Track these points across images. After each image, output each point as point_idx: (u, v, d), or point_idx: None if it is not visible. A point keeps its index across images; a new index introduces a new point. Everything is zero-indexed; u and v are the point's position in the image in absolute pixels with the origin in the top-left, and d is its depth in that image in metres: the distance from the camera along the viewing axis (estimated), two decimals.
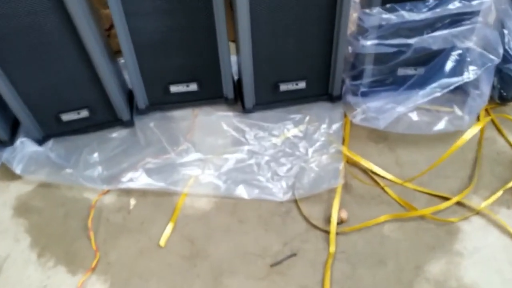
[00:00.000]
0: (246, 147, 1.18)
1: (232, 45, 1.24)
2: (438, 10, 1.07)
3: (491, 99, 1.26)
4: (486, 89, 1.15)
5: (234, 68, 1.36)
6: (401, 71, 1.26)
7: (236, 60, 1.34)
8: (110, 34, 1.49)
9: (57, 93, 1.18)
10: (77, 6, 0.99)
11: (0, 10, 0.98)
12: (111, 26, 1.46)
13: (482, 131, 1.21)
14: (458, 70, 1.15)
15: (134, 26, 1.12)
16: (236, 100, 1.33)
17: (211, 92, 1.31)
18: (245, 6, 1.06)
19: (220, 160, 1.16)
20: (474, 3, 1.07)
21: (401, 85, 1.28)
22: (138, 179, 1.12)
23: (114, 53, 1.27)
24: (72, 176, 1.13)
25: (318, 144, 1.17)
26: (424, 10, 1.07)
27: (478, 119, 1.23)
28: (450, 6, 1.06)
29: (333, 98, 1.31)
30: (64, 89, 1.17)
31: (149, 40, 1.16)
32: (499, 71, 1.22)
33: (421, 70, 1.25)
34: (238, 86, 1.35)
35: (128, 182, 1.12)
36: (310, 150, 1.16)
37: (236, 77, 1.38)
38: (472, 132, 1.14)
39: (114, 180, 1.13)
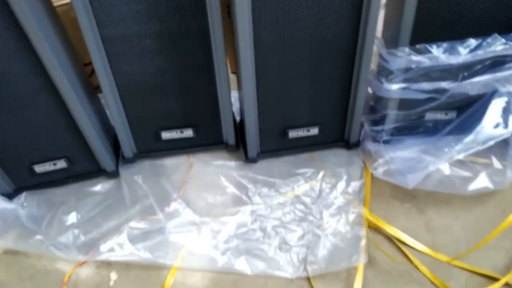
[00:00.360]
0: (249, 208, 1.00)
1: (232, 77, 1.08)
2: (480, 52, 0.90)
3: None
4: None
5: (236, 106, 1.19)
6: (430, 116, 1.08)
7: (237, 96, 1.17)
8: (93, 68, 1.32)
9: (29, 142, 1.01)
10: (45, 43, 0.82)
11: None
12: None
13: None
14: (500, 120, 0.97)
15: (119, 69, 0.95)
16: (238, 147, 1.16)
17: (209, 138, 1.14)
18: (248, 42, 0.89)
19: (218, 224, 0.98)
20: None
21: (429, 132, 1.11)
22: (120, 248, 0.94)
23: (95, 88, 1.11)
24: (42, 244, 0.95)
25: (334, 206, 0.99)
26: (463, 52, 0.90)
27: None
28: (495, 48, 0.89)
29: (349, 145, 1.14)
30: (37, 137, 1.00)
31: (136, 83, 0.99)
32: None
33: (452, 115, 1.08)
34: (240, 129, 1.18)
35: (109, 252, 0.94)
36: (326, 214, 0.98)
37: (238, 118, 1.21)
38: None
39: (92, 249, 0.95)
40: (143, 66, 0.96)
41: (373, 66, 1.05)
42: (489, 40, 0.90)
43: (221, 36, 0.93)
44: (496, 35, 0.90)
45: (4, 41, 0.82)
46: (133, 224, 0.99)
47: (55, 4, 1.14)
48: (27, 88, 0.90)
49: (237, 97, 1.20)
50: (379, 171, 1.06)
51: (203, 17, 0.91)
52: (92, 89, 1.08)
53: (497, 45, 0.89)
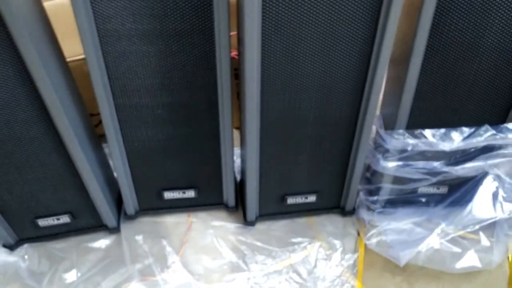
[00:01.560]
0: (245, 275, 1.03)
1: (235, 133, 1.12)
2: (471, 141, 0.95)
3: None
4: None
5: (237, 162, 1.24)
6: (423, 190, 1.13)
7: (240, 155, 1.22)
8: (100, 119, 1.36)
9: (35, 197, 1.03)
10: (55, 97, 0.84)
11: None
12: None
13: None
14: (490, 203, 1.03)
15: (129, 134, 1.00)
16: (237, 208, 1.19)
17: (210, 199, 1.17)
18: (255, 120, 0.94)
19: None
20: (510, 135, 0.95)
21: (422, 204, 1.16)
22: None
23: (100, 136, 1.14)
24: None
25: (329, 278, 1.02)
26: (456, 139, 0.96)
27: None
28: (485, 138, 0.95)
29: (345, 212, 1.18)
30: (43, 193, 1.03)
31: (144, 147, 1.03)
32: None
33: (444, 189, 1.13)
34: (240, 190, 1.22)
35: None
36: (320, 286, 1.01)
37: (238, 176, 1.25)
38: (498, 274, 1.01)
39: None
40: (153, 133, 1.00)
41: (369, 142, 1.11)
42: (480, 130, 0.96)
43: (230, 111, 0.98)
44: (487, 126, 0.96)
45: (14, 95, 0.84)
46: (132, 285, 1.01)
47: (69, 59, 1.19)
48: (38, 148, 0.93)
49: (238, 153, 1.24)
50: (373, 242, 1.09)
51: (214, 91, 0.96)
52: (97, 141, 1.11)
53: (488, 135, 0.95)
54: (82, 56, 1.21)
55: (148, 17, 0.82)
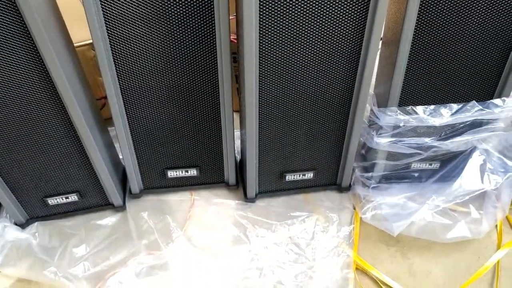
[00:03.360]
0: (247, 247, 1.09)
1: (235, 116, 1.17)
2: (460, 116, 1.00)
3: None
4: (506, 199, 1.08)
5: (237, 143, 1.28)
6: (415, 166, 1.18)
7: (239, 136, 1.27)
8: (106, 102, 1.41)
9: (44, 177, 1.08)
10: (64, 79, 0.88)
11: None
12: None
13: (499, 238, 1.13)
14: (477, 176, 1.08)
15: (134, 116, 1.04)
16: (238, 186, 1.24)
17: (212, 177, 1.22)
18: (254, 102, 0.98)
19: (218, 261, 1.06)
20: (496, 110, 1.00)
21: (414, 180, 1.21)
22: (126, 281, 1.02)
23: (105, 120, 1.19)
24: (55, 276, 1.03)
25: (326, 249, 1.08)
26: (446, 115, 1.01)
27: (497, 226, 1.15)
28: (472, 114, 1.00)
29: (341, 189, 1.23)
30: (52, 173, 1.08)
31: (148, 128, 1.07)
32: None
33: (436, 165, 1.18)
34: (240, 169, 1.27)
35: (115, 284, 1.01)
36: (318, 256, 1.06)
37: (238, 156, 1.30)
38: (496, 255, 1.07)
39: (101, 281, 1.02)
40: (156, 114, 1.05)
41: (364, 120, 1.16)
42: (468, 106, 1.00)
43: (229, 92, 1.03)
44: (474, 102, 1.00)
45: (27, 79, 0.88)
46: (139, 258, 1.06)
47: (75, 44, 1.23)
48: (49, 129, 0.98)
49: (238, 135, 1.29)
50: (368, 216, 1.15)
51: (215, 73, 1.00)
52: (103, 123, 1.15)
53: (475, 111, 1.00)
54: (86, 42, 1.27)
55: (151, 1, 0.86)
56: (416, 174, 1.19)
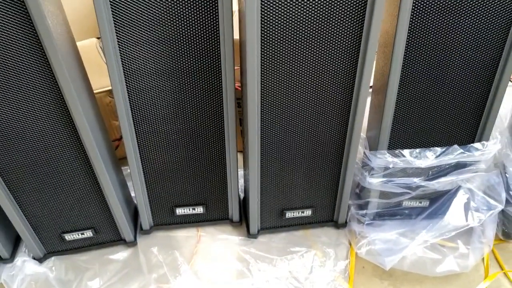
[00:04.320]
0: (250, 281, 1.16)
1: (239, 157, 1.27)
2: (443, 159, 1.10)
3: (496, 235, 1.27)
4: (490, 235, 1.16)
5: (240, 182, 1.38)
6: (407, 204, 1.27)
7: (242, 174, 1.36)
8: (120, 143, 1.52)
9: (62, 213, 1.17)
10: (85, 123, 0.99)
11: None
12: (122, 137, 1.50)
13: (486, 271, 1.20)
14: (463, 213, 1.16)
15: (146, 157, 1.15)
16: (241, 223, 1.33)
17: (217, 214, 1.31)
18: (256, 144, 1.09)
19: None
20: (476, 154, 1.11)
21: (406, 216, 1.30)
22: None
23: (121, 159, 1.29)
24: None
25: (324, 283, 1.15)
26: (430, 157, 1.11)
27: (483, 259, 1.23)
28: (454, 156, 1.10)
29: (338, 225, 1.31)
30: (69, 210, 1.17)
31: (160, 169, 1.18)
32: (502, 210, 1.24)
33: (426, 203, 1.27)
34: (243, 206, 1.36)
35: None
36: None
37: (241, 194, 1.39)
38: (473, 278, 1.14)
39: None
40: (167, 156, 1.15)
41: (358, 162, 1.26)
42: (450, 149, 1.11)
43: (234, 136, 1.14)
44: (456, 146, 1.11)
45: (51, 122, 0.99)
46: None
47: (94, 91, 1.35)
48: (69, 169, 1.08)
49: (241, 174, 1.38)
50: (363, 251, 1.22)
51: (221, 119, 1.11)
52: (118, 163, 1.26)
53: (457, 154, 1.10)
54: (103, 89, 1.39)
55: (166, 58, 0.98)
56: (407, 212, 1.28)
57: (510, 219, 1.24)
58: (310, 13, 0.89)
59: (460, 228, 1.14)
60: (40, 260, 1.23)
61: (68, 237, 1.22)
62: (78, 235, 1.22)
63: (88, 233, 1.23)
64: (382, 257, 1.17)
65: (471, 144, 1.12)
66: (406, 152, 1.12)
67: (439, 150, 1.11)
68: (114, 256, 1.24)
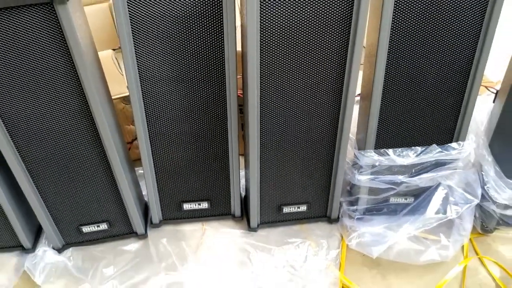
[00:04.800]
0: (250, 268, 1.28)
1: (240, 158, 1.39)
2: (423, 157, 1.23)
3: (474, 228, 1.39)
4: (468, 227, 1.28)
5: (242, 182, 1.50)
6: (393, 200, 1.39)
7: (244, 175, 1.49)
8: (132, 146, 1.65)
9: (80, 207, 1.30)
10: (106, 126, 1.12)
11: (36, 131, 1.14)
12: (134, 139, 1.63)
13: (465, 260, 1.32)
14: (442, 207, 1.29)
15: (158, 157, 1.28)
16: (243, 218, 1.45)
17: (220, 209, 1.44)
18: (256, 146, 1.22)
19: (226, 280, 1.25)
20: (453, 152, 1.23)
21: (393, 212, 1.42)
22: None
23: (133, 161, 1.42)
24: None
25: (316, 269, 1.27)
26: (412, 156, 1.23)
27: (463, 249, 1.35)
28: (433, 154, 1.23)
29: (331, 220, 1.44)
30: (87, 204, 1.30)
31: (169, 166, 1.31)
32: (480, 206, 1.36)
33: (411, 199, 1.39)
34: (244, 204, 1.48)
35: None
36: (309, 275, 1.25)
37: (243, 194, 1.52)
38: (453, 266, 1.27)
39: None
40: (176, 155, 1.28)
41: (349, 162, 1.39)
42: (430, 148, 1.24)
43: (236, 138, 1.27)
44: (435, 145, 1.24)
45: (76, 125, 1.12)
46: (159, 277, 1.26)
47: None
48: (90, 167, 1.21)
49: (243, 174, 1.51)
50: (353, 243, 1.34)
51: (224, 122, 1.24)
52: (132, 164, 1.39)
53: (435, 152, 1.23)
54: (117, 96, 1.53)
55: (177, 67, 1.12)
56: (393, 207, 1.40)
57: (487, 214, 1.36)
58: (302, 30, 1.03)
59: (439, 220, 1.26)
60: (59, 250, 1.35)
61: (85, 229, 1.34)
62: (94, 228, 1.35)
63: (103, 226, 1.35)
64: (370, 247, 1.28)
65: (449, 144, 1.25)
66: (390, 151, 1.25)
67: (419, 149, 1.24)
68: (126, 247, 1.36)
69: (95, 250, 1.35)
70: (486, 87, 1.53)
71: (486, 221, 1.38)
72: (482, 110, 1.41)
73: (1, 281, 1.27)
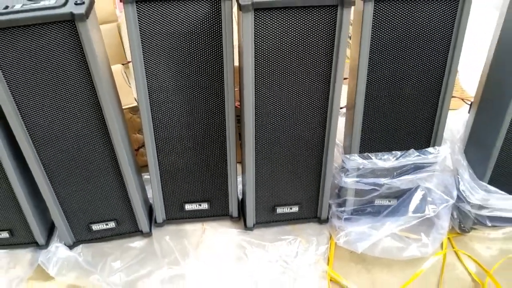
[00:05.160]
0: (246, 263, 1.40)
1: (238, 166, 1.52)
2: (402, 160, 1.36)
3: (453, 229, 1.51)
4: (445, 225, 1.41)
5: (239, 187, 1.63)
6: (378, 202, 1.52)
7: (241, 180, 1.61)
8: (138, 153, 1.78)
9: (91, 206, 1.42)
10: (118, 133, 1.25)
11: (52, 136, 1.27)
12: (139, 147, 1.76)
13: (444, 258, 1.44)
14: (421, 207, 1.41)
15: (163, 160, 1.41)
16: (240, 218, 1.57)
17: (219, 210, 1.56)
18: (252, 154, 1.35)
19: (224, 274, 1.37)
20: (430, 156, 1.37)
21: (378, 213, 1.53)
22: (152, 287, 1.32)
23: (140, 167, 1.55)
24: (98, 281, 1.34)
25: (307, 264, 1.39)
26: (392, 159, 1.37)
27: (442, 246, 1.46)
28: (412, 158, 1.36)
29: (321, 220, 1.56)
30: (97, 203, 1.42)
31: (174, 170, 1.43)
32: (457, 207, 1.48)
33: (394, 202, 1.51)
34: (241, 206, 1.60)
35: None
36: (300, 269, 1.37)
37: (240, 197, 1.64)
38: (432, 261, 1.40)
39: (133, 286, 1.33)
40: (179, 160, 1.41)
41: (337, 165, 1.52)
42: (408, 152, 1.37)
43: (234, 145, 1.40)
44: (413, 149, 1.37)
45: (91, 131, 1.26)
46: (162, 270, 1.37)
47: None
48: (102, 169, 1.33)
49: (240, 180, 1.63)
50: (341, 241, 1.46)
51: (223, 130, 1.37)
52: (139, 168, 1.51)
53: (414, 156, 1.36)
54: (126, 107, 1.66)
55: (181, 79, 1.26)
56: (378, 208, 1.52)
57: (464, 214, 1.49)
58: (291, 49, 1.17)
59: (418, 218, 1.39)
60: (70, 247, 1.47)
61: (95, 227, 1.46)
62: (103, 226, 1.47)
63: (112, 224, 1.47)
64: (355, 243, 1.40)
65: (426, 149, 1.38)
66: (373, 155, 1.38)
67: (399, 153, 1.37)
68: (132, 244, 1.48)
69: (104, 246, 1.47)
70: (462, 99, 1.67)
71: (463, 221, 1.50)
72: (459, 120, 1.55)
73: (17, 273, 1.39)
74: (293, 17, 1.14)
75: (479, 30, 1.29)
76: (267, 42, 1.17)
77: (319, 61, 1.21)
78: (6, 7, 1.08)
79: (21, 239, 1.46)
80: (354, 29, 1.27)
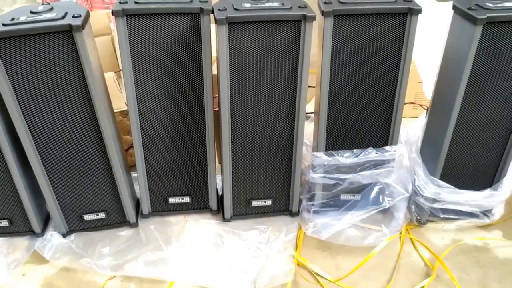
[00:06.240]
0: (223, 248, 1.55)
1: (218, 166, 1.68)
2: (362, 157, 1.53)
3: (411, 221, 1.68)
4: (400, 215, 1.58)
5: (219, 185, 1.79)
6: (344, 196, 1.68)
7: (221, 178, 1.77)
8: (127, 153, 1.94)
9: (84, 198, 1.58)
10: (109, 133, 1.42)
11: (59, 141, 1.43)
12: (129, 148, 1.92)
13: (401, 246, 1.60)
14: (380, 199, 1.58)
15: (149, 158, 1.57)
16: (219, 211, 1.73)
17: (200, 204, 1.72)
18: (228, 151, 1.52)
19: (203, 258, 1.52)
20: (386, 154, 1.54)
21: (343, 206, 1.70)
22: (137, 269, 1.47)
23: (129, 166, 1.71)
24: (88, 264, 1.48)
25: (276, 249, 1.54)
26: (352, 157, 1.54)
27: (400, 236, 1.63)
28: (370, 156, 1.53)
29: (292, 213, 1.72)
30: (90, 196, 1.57)
31: (158, 167, 1.59)
32: (414, 201, 1.65)
33: (358, 196, 1.68)
34: (220, 199, 1.76)
35: (130, 271, 1.47)
36: (271, 254, 1.53)
37: (220, 192, 1.80)
38: (390, 247, 1.56)
39: (119, 268, 1.48)
40: (164, 157, 1.57)
41: (306, 164, 1.68)
42: (367, 150, 1.54)
43: (213, 144, 1.57)
44: (371, 148, 1.54)
45: (86, 131, 1.42)
46: (147, 255, 1.52)
47: None
48: (95, 164, 1.49)
49: (220, 179, 1.79)
50: (309, 231, 1.62)
51: (203, 129, 1.54)
52: (128, 167, 1.67)
53: (371, 154, 1.53)
54: (117, 110, 1.83)
55: (165, 85, 1.43)
56: (343, 202, 1.68)
57: (420, 208, 1.66)
58: (262, 61, 1.36)
59: (376, 209, 1.56)
60: (64, 235, 1.61)
61: (86, 217, 1.61)
62: (94, 216, 1.62)
63: (102, 215, 1.62)
64: (320, 231, 1.57)
65: (383, 147, 1.55)
66: (336, 153, 1.55)
67: (359, 151, 1.54)
68: (121, 233, 1.63)
69: (94, 235, 1.62)
70: (420, 105, 1.85)
71: (420, 214, 1.67)
72: (419, 126, 1.73)
73: (15, 257, 1.53)
74: (262, 30, 1.32)
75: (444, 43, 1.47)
76: (240, 52, 1.34)
77: (286, 70, 1.39)
78: (13, 19, 1.25)
79: (19, 227, 1.61)
80: (318, 42, 1.45)
